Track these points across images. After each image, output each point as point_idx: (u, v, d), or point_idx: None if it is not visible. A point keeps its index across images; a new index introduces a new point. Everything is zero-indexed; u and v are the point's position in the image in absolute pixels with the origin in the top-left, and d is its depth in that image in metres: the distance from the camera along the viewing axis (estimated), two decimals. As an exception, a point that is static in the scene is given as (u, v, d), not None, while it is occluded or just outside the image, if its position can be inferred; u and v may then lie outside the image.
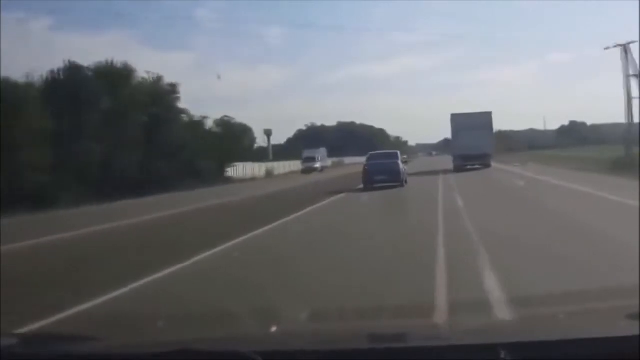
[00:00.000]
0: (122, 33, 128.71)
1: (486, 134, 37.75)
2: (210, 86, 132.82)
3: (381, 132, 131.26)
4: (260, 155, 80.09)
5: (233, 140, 51.97)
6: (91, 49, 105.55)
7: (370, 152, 28.44)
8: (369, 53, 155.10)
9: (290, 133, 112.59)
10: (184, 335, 4.31)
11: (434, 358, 2.11)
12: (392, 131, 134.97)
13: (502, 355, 1.96)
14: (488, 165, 37.09)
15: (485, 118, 38.99)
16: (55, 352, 2.46)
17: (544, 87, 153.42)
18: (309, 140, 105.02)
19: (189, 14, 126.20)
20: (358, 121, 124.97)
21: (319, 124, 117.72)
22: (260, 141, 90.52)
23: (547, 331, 2.47)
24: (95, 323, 5.79)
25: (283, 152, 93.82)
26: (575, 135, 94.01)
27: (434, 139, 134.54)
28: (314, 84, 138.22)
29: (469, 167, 36.68)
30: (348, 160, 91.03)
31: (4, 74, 32.03)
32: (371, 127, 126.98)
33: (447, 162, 42.48)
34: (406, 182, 25.26)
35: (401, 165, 25.58)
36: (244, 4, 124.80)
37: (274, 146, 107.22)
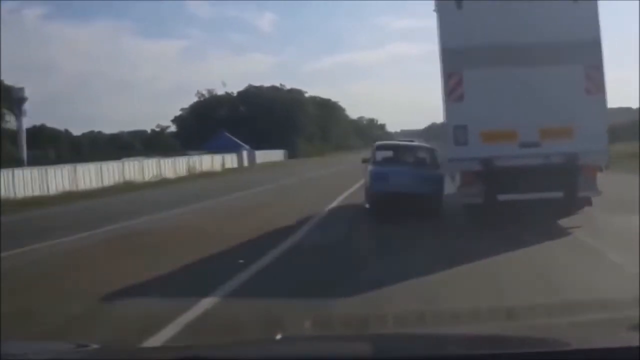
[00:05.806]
0: (113, 21, 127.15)
1: (579, 75, 9.72)
2: (199, 74, 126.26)
3: (327, 104, 78.29)
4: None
5: None
6: (83, 38, 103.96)
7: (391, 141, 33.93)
8: (357, 40, 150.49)
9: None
10: (191, 341, 4.32)
11: None
12: (379, 118, 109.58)
13: None
14: (583, 203, 9.98)
15: (578, 13, 9.71)
16: (56, 357, 2.43)
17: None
18: (198, 119, 68.55)
19: (180, 1, 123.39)
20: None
21: (220, 92, 75.79)
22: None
23: (549, 341, 2.49)
24: None
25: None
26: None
27: (420, 124, 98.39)
28: (300, 71, 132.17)
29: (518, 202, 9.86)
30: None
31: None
32: (300, 93, 75.45)
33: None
34: None
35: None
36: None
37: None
